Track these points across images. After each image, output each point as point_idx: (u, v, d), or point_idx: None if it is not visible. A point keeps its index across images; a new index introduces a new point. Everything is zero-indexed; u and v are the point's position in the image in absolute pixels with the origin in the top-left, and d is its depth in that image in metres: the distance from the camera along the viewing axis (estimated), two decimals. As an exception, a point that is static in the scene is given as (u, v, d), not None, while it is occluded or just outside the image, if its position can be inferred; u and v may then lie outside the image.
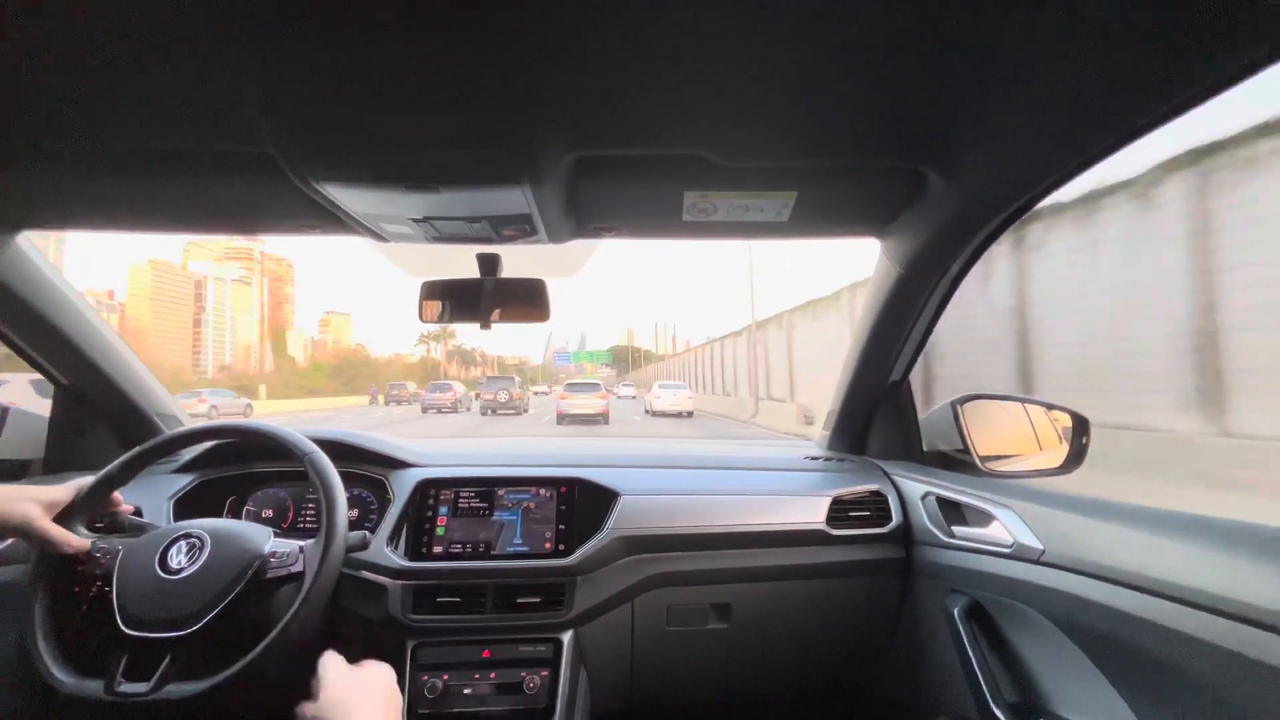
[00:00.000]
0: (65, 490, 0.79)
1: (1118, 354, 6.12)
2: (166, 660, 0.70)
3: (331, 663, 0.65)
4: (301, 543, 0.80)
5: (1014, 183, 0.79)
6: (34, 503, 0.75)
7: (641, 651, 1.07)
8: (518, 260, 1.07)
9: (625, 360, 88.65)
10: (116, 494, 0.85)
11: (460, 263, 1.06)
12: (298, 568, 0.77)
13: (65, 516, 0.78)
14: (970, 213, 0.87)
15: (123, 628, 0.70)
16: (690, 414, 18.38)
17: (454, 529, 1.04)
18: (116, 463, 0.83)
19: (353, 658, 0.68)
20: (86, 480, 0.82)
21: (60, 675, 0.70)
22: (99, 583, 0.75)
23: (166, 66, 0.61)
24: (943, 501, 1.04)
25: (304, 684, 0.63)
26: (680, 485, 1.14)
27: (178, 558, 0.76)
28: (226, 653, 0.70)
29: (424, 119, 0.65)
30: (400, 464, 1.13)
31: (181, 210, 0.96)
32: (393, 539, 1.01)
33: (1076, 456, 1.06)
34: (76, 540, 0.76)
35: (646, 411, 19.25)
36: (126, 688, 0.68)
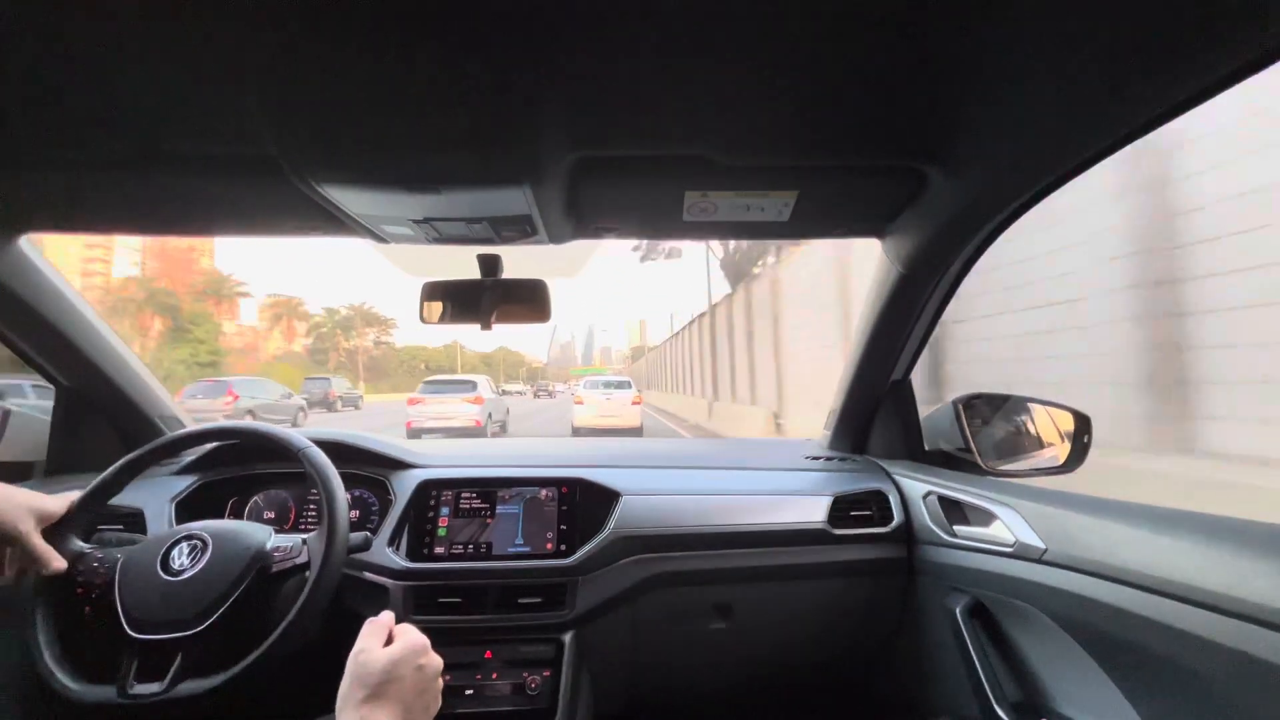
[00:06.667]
0: (59, 503, 0.77)
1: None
2: (178, 659, 0.70)
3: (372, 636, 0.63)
4: (304, 535, 0.81)
5: (1015, 181, 0.79)
6: (29, 513, 0.72)
7: (643, 651, 1.07)
8: (518, 261, 1.07)
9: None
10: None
11: (460, 264, 1.06)
12: (302, 559, 0.78)
13: (56, 530, 0.76)
14: (971, 211, 0.87)
15: (130, 632, 0.70)
16: (638, 428, 11.78)
17: (455, 529, 1.04)
18: (106, 473, 0.82)
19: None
20: (75, 495, 0.80)
21: (70, 684, 0.70)
22: (100, 591, 0.74)
23: (169, 69, 0.61)
24: (944, 501, 1.03)
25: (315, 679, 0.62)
26: (681, 485, 1.14)
27: (180, 559, 0.76)
28: (237, 648, 0.71)
29: (425, 120, 0.65)
30: (401, 465, 1.13)
31: (183, 212, 0.96)
32: (394, 540, 1.01)
33: (1078, 455, 1.06)
34: (57, 560, 0.74)
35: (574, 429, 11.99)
36: (140, 689, 0.68)
